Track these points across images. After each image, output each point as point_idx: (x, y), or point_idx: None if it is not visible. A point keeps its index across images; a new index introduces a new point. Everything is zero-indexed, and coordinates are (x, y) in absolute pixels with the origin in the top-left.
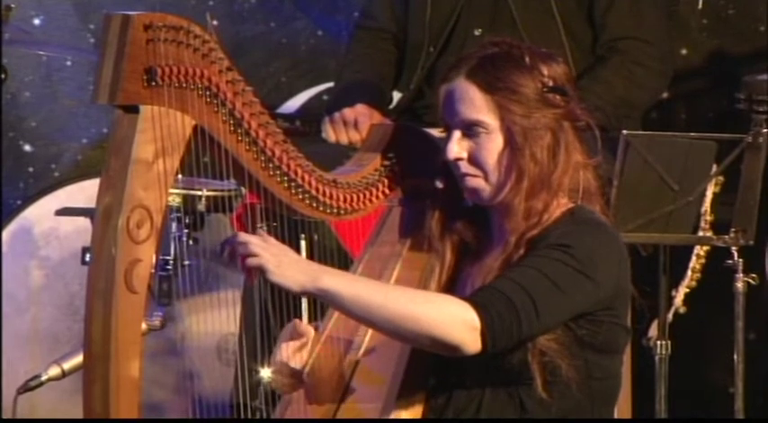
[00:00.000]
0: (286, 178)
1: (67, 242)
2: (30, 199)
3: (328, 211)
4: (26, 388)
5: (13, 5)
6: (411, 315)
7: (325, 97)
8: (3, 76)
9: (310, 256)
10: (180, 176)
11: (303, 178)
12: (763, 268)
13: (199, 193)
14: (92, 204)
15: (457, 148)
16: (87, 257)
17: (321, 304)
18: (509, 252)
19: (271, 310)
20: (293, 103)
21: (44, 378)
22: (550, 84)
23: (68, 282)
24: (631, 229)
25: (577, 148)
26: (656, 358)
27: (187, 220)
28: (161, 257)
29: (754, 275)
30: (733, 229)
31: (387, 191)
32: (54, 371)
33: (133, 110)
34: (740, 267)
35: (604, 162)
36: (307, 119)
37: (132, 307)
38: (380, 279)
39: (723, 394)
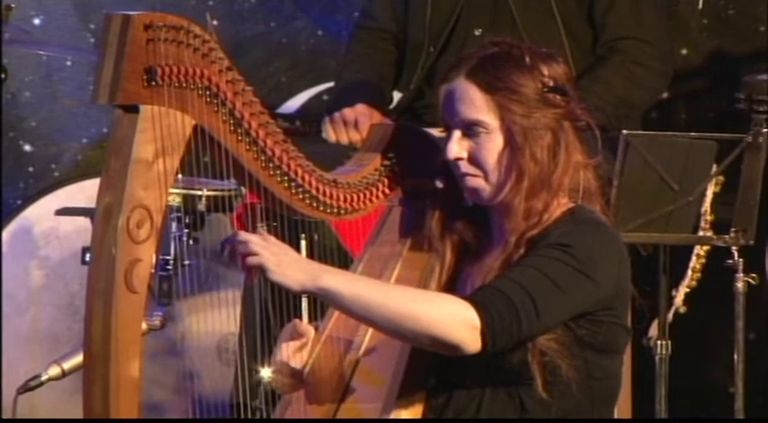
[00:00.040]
0: (286, 178)
1: (67, 242)
2: (30, 199)
3: (328, 210)
4: (26, 388)
5: (13, 5)
6: (411, 314)
7: (325, 97)
8: (3, 76)
9: (310, 256)
10: (180, 176)
11: (303, 178)
12: (763, 268)
13: (199, 192)
14: (92, 204)
15: (457, 147)
16: (87, 257)
17: (321, 304)
18: (509, 252)
19: (271, 309)
20: (293, 103)
21: (44, 378)
22: (551, 84)
23: (68, 282)
24: (631, 229)
25: (577, 148)
26: (656, 358)
27: (187, 220)
28: (161, 257)
29: (754, 275)
30: (733, 229)
31: (387, 191)
32: (54, 371)
33: (133, 110)
34: (740, 267)
35: (604, 162)
36: (307, 119)
37: (132, 307)
38: (381, 279)
39: (723, 394)
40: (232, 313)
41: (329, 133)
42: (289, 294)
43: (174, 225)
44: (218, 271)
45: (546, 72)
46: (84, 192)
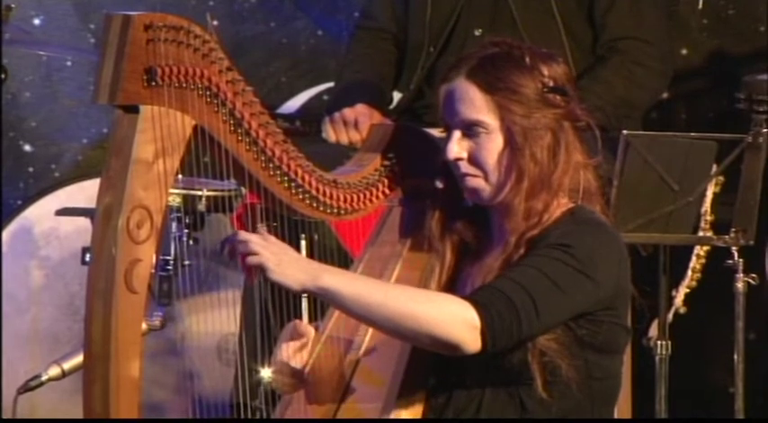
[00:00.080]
0: (286, 178)
1: (67, 242)
2: (30, 199)
3: (328, 211)
4: (26, 388)
5: (13, 5)
6: (411, 314)
7: (325, 97)
8: (3, 76)
9: (310, 256)
10: (180, 176)
11: (303, 178)
12: (763, 268)
13: (199, 193)
14: (92, 204)
15: (457, 148)
16: (87, 257)
17: (321, 304)
18: (509, 252)
19: (271, 309)
20: (293, 103)
21: (44, 378)
22: (551, 84)
23: (68, 282)
24: (631, 229)
25: (577, 148)
26: (656, 358)
27: (187, 220)
28: (161, 257)
29: (754, 275)
30: (733, 229)
31: (387, 191)
32: (54, 371)
33: (133, 110)
34: (740, 267)
35: (604, 162)
36: (307, 119)
37: (132, 307)
38: (381, 279)
39: (723, 394)
40: (232, 313)
41: (329, 133)
42: (289, 294)
43: (174, 225)
44: (218, 271)
45: (546, 72)
46: (84, 192)
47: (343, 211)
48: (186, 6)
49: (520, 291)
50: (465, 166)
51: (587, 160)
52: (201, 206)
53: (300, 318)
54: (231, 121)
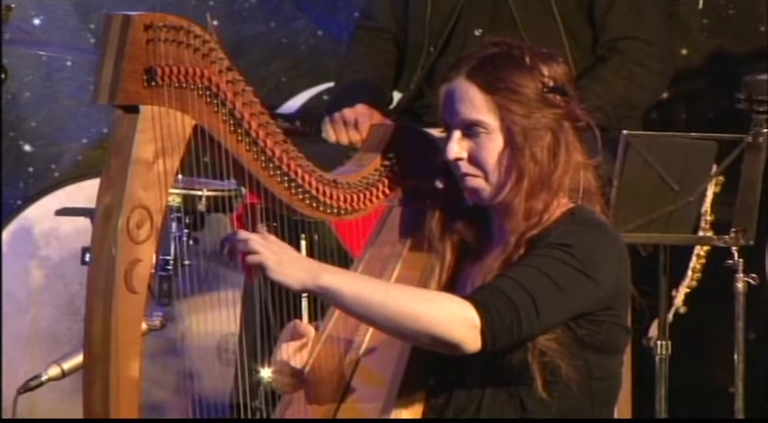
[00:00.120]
0: (286, 178)
1: (67, 242)
2: (30, 199)
3: (328, 211)
4: (26, 388)
5: (13, 5)
6: (411, 313)
7: (325, 97)
8: (3, 76)
9: (310, 256)
10: (180, 176)
11: (303, 178)
12: (763, 268)
13: (199, 193)
14: (92, 204)
15: (457, 148)
16: (87, 257)
17: (321, 304)
18: (509, 252)
19: (271, 309)
20: (293, 103)
21: (44, 378)
22: (551, 84)
23: (68, 282)
24: (631, 229)
25: (578, 148)
26: (656, 358)
27: (187, 220)
28: (161, 257)
29: (754, 275)
30: (733, 229)
31: (387, 191)
32: (54, 371)
33: (133, 110)
34: (740, 267)
35: (604, 162)
36: (307, 119)
37: (132, 307)
38: (381, 279)
39: (723, 394)
40: (232, 313)
41: (329, 133)
42: (289, 294)
43: (174, 225)
44: (218, 271)
45: (546, 72)
46: (84, 192)
47: (343, 211)
48: (186, 6)
49: (520, 290)
50: (465, 166)
51: (587, 160)
52: (201, 206)
53: (300, 318)
54: (231, 121)
